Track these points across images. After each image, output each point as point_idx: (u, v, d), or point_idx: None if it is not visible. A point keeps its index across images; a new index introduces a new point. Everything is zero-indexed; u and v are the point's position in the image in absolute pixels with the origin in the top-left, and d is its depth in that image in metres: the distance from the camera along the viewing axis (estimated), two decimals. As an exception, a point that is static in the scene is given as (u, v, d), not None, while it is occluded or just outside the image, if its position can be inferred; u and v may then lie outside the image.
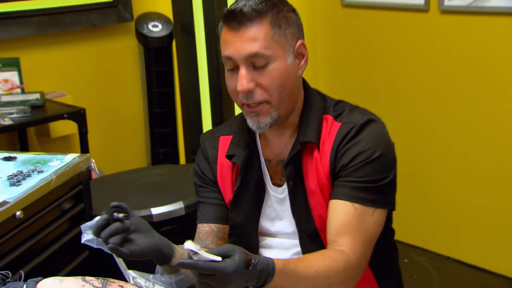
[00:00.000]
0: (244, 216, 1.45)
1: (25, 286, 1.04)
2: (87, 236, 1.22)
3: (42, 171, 1.66)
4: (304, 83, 1.43)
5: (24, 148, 2.79)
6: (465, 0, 2.57)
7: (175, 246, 1.33)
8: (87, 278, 1.07)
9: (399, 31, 2.87)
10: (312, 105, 1.41)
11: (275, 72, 1.30)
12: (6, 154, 1.78)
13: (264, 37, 1.28)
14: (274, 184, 1.44)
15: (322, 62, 3.24)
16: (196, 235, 1.49)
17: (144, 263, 1.28)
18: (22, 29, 2.71)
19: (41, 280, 1.05)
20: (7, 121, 2.37)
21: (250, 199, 1.45)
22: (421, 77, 2.84)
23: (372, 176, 1.33)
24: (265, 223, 1.46)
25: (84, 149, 2.62)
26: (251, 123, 1.35)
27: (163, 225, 1.98)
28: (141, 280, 1.25)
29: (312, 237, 1.39)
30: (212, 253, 1.08)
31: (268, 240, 1.48)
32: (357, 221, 1.31)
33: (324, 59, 3.23)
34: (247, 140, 1.43)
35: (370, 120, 1.36)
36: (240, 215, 1.45)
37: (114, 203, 1.21)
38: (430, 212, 2.97)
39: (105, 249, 1.20)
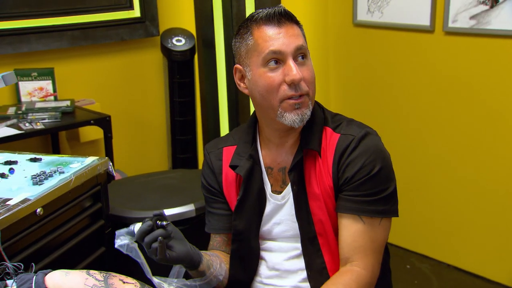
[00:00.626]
0: (246, 223, 1.54)
1: (34, 277, 1.15)
2: (120, 242, 1.33)
3: (63, 172, 1.84)
4: None
5: (56, 151, 3.02)
6: (467, 22, 2.68)
7: (202, 253, 1.49)
8: (91, 271, 1.18)
9: (406, 50, 2.99)
10: (314, 115, 1.48)
11: (311, 67, 1.44)
12: (33, 156, 1.98)
13: (301, 34, 1.43)
14: (274, 191, 1.52)
15: (334, 77, 3.38)
16: (211, 243, 1.62)
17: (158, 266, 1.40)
18: (56, 42, 2.93)
19: (49, 272, 1.17)
20: (39, 126, 2.61)
21: (252, 206, 1.53)
22: (425, 94, 2.95)
23: (375, 188, 1.41)
24: (266, 228, 1.55)
25: (109, 152, 2.83)
26: (293, 117, 1.41)
27: (176, 225, 2.15)
28: (165, 285, 1.35)
29: (310, 240, 1.48)
30: None
31: (268, 244, 1.57)
32: (366, 235, 1.41)
33: (336, 75, 3.37)
34: (250, 151, 1.52)
35: (368, 133, 1.45)
36: (242, 222, 1.55)
37: (157, 212, 1.36)
38: (432, 220, 3.07)
39: (133, 255, 1.33)
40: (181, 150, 3.31)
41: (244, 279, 1.59)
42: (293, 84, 1.38)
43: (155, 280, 1.35)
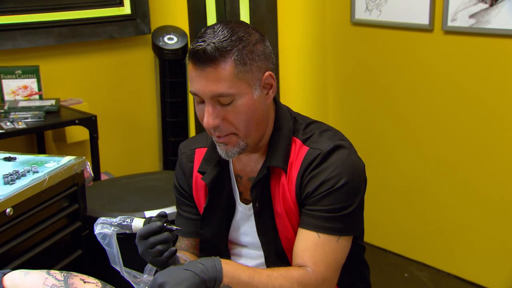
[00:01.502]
0: (213, 232, 1.49)
1: None
2: (101, 229, 1.28)
3: (37, 172, 1.77)
4: (276, 103, 1.43)
5: (42, 152, 2.94)
6: (467, 21, 2.60)
7: (182, 256, 1.45)
8: (52, 271, 1.16)
9: (405, 49, 2.91)
10: (282, 127, 1.40)
11: (241, 108, 1.29)
12: (7, 155, 1.90)
13: (228, 77, 1.26)
14: (244, 199, 1.47)
15: (332, 76, 3.30)
16: (178, 244, 1.55)
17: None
18: (43, 39, 2.86)
19: (9, 272, 1.15)
20: (21, 125, 2.52)
21: (220, 214, 1.48)
22: (424, 93, 2.88)
23: (337, 204, 1.34)
24: (234, 235, 1.50)
25: (95, 154, 2.75)
26: (220, 151, 1.36)
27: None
28: (130, 277, 1.30)
29: (278, 255, 1.43)
30: None
31: (238, 249, 1.52)
32: (319, 248, 1.33)
33: (334, 74, 3.28)
34: (218, 157, 1.42)
35: (337, 147, 1.36)
36: (209, 231, 1.50)
37: (162, 212, 1.29)
38: (432, 227, 2.99)
39: (105, 243, 1.27)
40: (173, 152, 3.24)
41: None
42: None
43: (127, 270, 1.30)
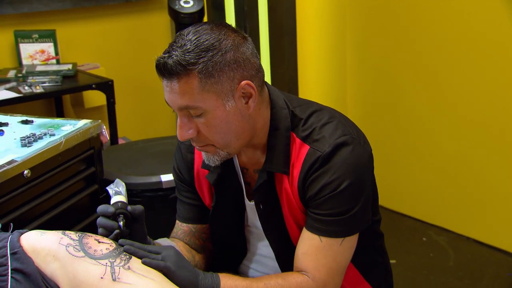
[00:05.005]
0: (225, 228, 1.46)
1: (10, 236, 1.13)
2: (112, 190, 1.30)
3: (53, 134, 1.78)
4: (273, 100, 1.34)
5: (60, 116, 2.96)
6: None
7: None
8: (67, 232, 1.16)
9: (427, 7, 2.84)
10: (278, 127, 1.32)
11: (213, 121, 1.23)
12: (24, 118, 1.91)
13: (192, 91, 1.20)
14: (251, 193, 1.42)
15: (352, 45, 3.24)
16: (175, 230, 1.51)
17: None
18: (59, 2, 2.84)
19: (26, 232, 1.15)
20: (38, 89, 2.53)
21: (230, 212, 1.45)
22: (449, 56, 2.82)
23: (340, 208, 1.28)
24: (249, 224, 1.47)
25: (112, 119, 2.75)
26: (204, 158, 1.32)
27: (171, 191, 2.08)
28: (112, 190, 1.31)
29: (289, 253, 1.38)
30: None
31: (255, 242, 1.49)
32: (321, 252, 1.30)
33: (353, 40, 3.23)
34: None
35: (338, 146, 1.28)
36: (222, 228, 1.47)
37: (138, 208, 1.26)
38: (451, 192, 2.96)
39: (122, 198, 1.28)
40: (189, 117, 3.22)
41: (230, 265, 1.53)
42: None
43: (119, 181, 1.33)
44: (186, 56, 1.18)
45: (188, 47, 1.19)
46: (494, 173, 2.77)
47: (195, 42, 1.20)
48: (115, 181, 1.32)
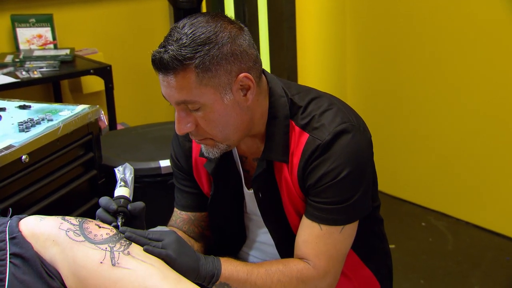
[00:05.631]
0: (225, 217, 1.46)
1: (9, 221, 1.12)
2: (119, 172, 1.28)
3: (51, 120, 1.77)
4: (271, 88, 1.33)
5: (58, 102, 2.95)
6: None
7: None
8: (67, 217, 1.15)
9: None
10: (277, 116, 1.31)
11: (211, 115, 1.22)
12: (22, 103, 1.90)
13: (190, 85, 1.18)
14: (250, 180, 1.41)
15: (351, 24, 3.22)
16: (173, 218, 1.50)
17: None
18: (56, -13, 2.83)
19: (25, 217, 1.14)
20: (36, 74, 2.51)
21: (229, 200, 1.44)
22: (449, 43, 2.80)
23: (340, 196, 1.28)
24: (249, 212, 1.47)
25: (110, 104, 2.74)
26: (202, 148, 1.31)
27: (170, 177, 2.08)
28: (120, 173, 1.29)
29: (290, 241, 1.37)
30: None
31: (255, 230, 1.48)
32: (321, 240, 1.29)
33: (353, 20, 3.21)
34: None
35: (338, 134, 1.27)
36: (220, 218, 1.46)
37: (139, 206, 1.22)
38: (450, 177, 2.96)
39: (128, 182, 1.27)
40: (188, 102, 3.21)
41: (230, 252, 1.52)
42: None
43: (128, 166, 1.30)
44: (182, 50, 1.16)
45: (184, 41, 1.17)
46: (493, 158, 2.76)
47: (191, 36, 1.17)
48: (125, 165, 1.30)
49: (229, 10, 3.18)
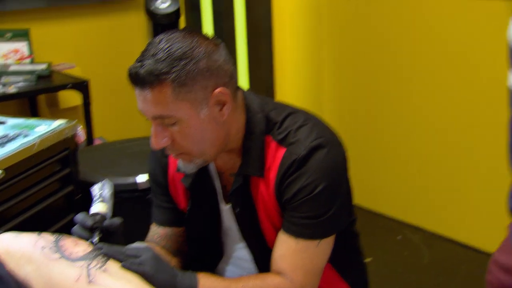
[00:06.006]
0: (201, 231, 1.46)
1: None
2: (100, 192, 1.28)
3: (27, 135, 1.76)
4: (247, 104, 1.34)
5: (35, 117, 2.93)
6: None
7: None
8: (43, 233, 1.15)
9: (398, 9, 2.88)
10: (253, 131, 1.33)
11: (187, 130, 1.23)
12: (-3, 119, 1.90)
13: (166, 100, 1.19)
14: (227, 195, 1.41)
15: (328, 45, 3.27)
16: (151, 234, 1.49)
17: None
18: (33, 1, 2.81)
19: (0, 234, 1.14)
20: (12, 89, 2.50)
21: (205, 215, 1.44)
22: (421, 57, 2.85)
23: (316, 211, 1.29)
24: (225, 229, 1.46)
25: (88, 119, 2.73)
26: (179, 163, 1.32)
27: (148, 192, 2.07)
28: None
29: (267, 257, 1.37)
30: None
31: (231, 245, 1.48)
32: (297, 254, 1.30)
33: (330, 40, 3.25)
34: None
35: (313, 149, 1.28)
36: (195, 232, 1.46)
37: (114, 222, 1.22)
38: (425, 190, 3.00)
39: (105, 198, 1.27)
40: (166, 117, 3.21)
41: (207, 267, 1.51)
42: None
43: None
44: (158, 65, 1.17)
45: (160, 56, 1.18)
46: (467, 173, 2.81)
47: (167, 51, 1.18)
48: (103, 182, 1.30)
49: (208, 26, 3.20)
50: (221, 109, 1.25)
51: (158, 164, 1.46)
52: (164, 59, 1.18)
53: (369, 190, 3.14)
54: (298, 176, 1.28)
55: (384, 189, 3.17)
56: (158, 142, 1.24)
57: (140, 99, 1.22)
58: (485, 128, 2.69)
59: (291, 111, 1.36)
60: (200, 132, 1.24)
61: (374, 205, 3.22)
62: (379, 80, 3.05)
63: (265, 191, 1.33)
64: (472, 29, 2.63)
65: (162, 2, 3.08)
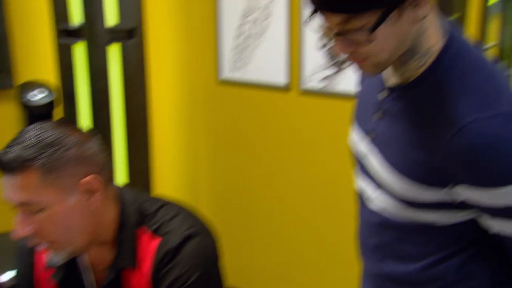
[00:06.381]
0: None
1: None
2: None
3: None
4: (121, 196, 1.36)
5: None
6: (319, 83, 2.82)
7: None
8: None
9: (265, 108, 3.08)
10: (126, 222, 1.34)
11: (54, 217, 1.23)
12: None
13: (33, 186, 1.19)
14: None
15: (203, 137, 3.37)
16: None
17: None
18: None
19: None
20: None
21: None
22: (282, 153, 3.05)
23: None
24: None
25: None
26: (48, 254, 1.31)
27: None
28: None
29: None
30: None
31: None
32: None
33: (205, 133, 3.36)
34: None
35: (186, 239, 1.32)
36: None
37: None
38: (294, 271, 3.13)
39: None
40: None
41: None
42: None
43: None
44: (26, 151, 1.19)
45: (29, 142, 1.20)
46: (324, 249, 2.99)
47: (37, 138, 1.21)
48: None
49: (85, 117, 3.22)
50: (90, 198, 1.27)
51: (25, 261, 1.45)
52: (33, 145, 1.20)
53: (243, 270, 3.24)
54: (173, 267, 1.31)
55: (257, 269, 3.28)
56: (22, 230, 1.23)
57: (6, 186, 1.21)
58: (334, 217, 2.91)
59: (164, 203, 1.41)
60: (68, 220, 1.24)
61: (248, 284, 3.31)
62: (250, 174, 3.22)
63: (137, 284, 1.34)
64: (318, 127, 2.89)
65: (38, 93, 3.07)
